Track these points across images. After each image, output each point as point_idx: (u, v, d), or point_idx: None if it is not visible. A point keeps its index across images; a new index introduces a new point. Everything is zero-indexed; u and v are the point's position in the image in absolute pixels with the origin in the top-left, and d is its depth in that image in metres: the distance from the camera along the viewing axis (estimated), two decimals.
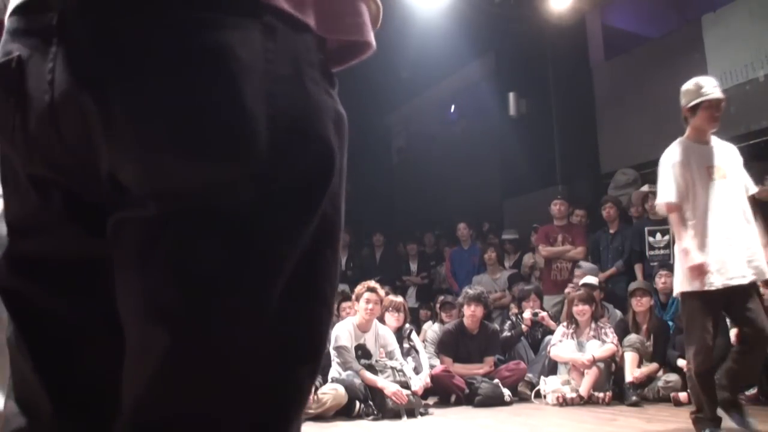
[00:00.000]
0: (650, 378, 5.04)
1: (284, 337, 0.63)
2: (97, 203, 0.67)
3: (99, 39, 0.62)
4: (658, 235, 5.92)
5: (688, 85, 3.46)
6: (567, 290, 6.07)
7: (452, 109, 11.45)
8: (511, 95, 8.42)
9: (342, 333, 4.93)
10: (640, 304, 5.28)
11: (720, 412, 3.27)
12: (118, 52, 0.61)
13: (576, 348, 5.26)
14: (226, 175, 0.61)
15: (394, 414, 4.55)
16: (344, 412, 4.60)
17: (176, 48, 0.61)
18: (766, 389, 4.54)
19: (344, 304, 5.98)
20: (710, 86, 3.41)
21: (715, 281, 3.21)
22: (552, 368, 5.45)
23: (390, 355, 5.05)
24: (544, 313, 5.92)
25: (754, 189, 3.45)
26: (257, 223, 0.62)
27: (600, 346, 5.17)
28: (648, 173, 7.16)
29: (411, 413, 4.61)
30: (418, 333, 5.97)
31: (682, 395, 4.67)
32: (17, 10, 0.68)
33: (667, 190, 3.37)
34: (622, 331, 5.32)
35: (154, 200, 0.61)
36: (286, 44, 0.65)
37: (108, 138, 0.62)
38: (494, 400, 5.04)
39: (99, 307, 0.71)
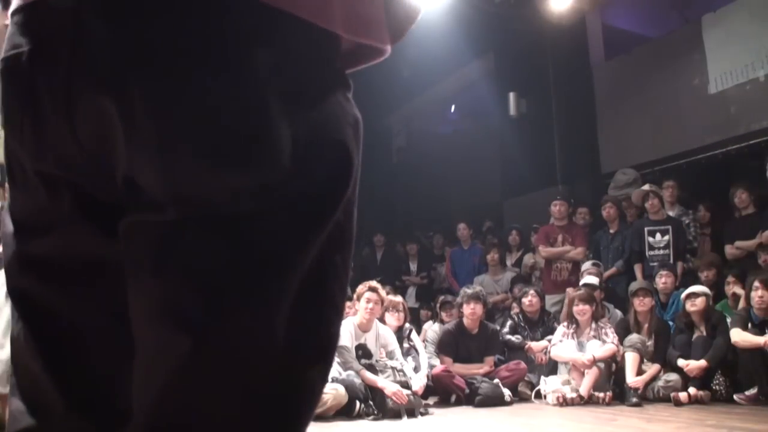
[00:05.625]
0: (651, 378, 5.04)
1: (295, 340, 0.64)
2: (109, 202, 0.66)
3: (120, 42, 0.61)
4: (658, 235, 5.92)
5: None
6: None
7: (452, 109, 11.46)
8: (511, 95, 8.41)
9: (342, 333, 4.91)
10: (642, 304, 5.28)
11: None
12: (140, 56, 0.60)
13: (576, 348, 5.26)
14: (248, 181, 0.60)
15: (395, 414, 4.55)
16: (344, 412, 4.59)
17: (200, 54, 0.60)
18: (766, 389, 4.55)
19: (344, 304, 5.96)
20: None
21: None
22: (552, 368, 5.46)
23: (390, 355, 5.05)
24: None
25: None
26: (276, 229, 0.62)
27: (600, 346, 5.17)
28: (648, 173, 7.18)
29: (411, 413, 4.60)
30: (419, 333, 5.97)
31: (683, 395, 4.67)
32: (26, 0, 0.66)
33: None
34: (623, 331, 5.31)
35: (173, 205, 0.60)
36: (306, 52, 0.65)
37: (129, 141, 0.61)
38: (494, 400, 5.03)
39: (107, 307, 0.71)
